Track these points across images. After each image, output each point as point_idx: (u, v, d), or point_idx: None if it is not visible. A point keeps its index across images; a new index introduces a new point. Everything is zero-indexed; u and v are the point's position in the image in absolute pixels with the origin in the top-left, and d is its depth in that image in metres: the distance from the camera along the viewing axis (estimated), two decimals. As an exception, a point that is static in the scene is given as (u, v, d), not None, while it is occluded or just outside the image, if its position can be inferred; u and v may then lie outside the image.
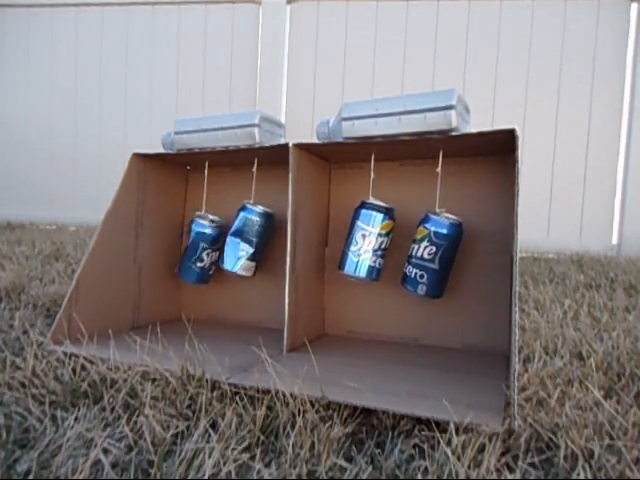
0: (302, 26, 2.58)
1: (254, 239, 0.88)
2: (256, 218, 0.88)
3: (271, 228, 0.91)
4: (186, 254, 0.92)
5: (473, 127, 0.71)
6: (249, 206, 0.88)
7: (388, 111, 0.71)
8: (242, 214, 0.88)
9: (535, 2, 2.33)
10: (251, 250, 0.88)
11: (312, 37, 2.58)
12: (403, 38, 2.48)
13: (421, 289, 0.75)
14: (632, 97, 2.26)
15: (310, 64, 2.58)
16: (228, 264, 0.88)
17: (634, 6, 2.26)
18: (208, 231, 0.91)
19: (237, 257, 0.88)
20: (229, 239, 0.88)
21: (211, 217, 0.93)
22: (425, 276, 0.75)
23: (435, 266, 0.74)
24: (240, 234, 0.88)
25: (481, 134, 0.66)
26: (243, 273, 0.89)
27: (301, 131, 2.37)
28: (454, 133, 0.68)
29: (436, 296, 0.77)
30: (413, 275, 0.76)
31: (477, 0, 2.38)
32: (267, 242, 0.92)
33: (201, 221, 0.92)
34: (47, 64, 2.88)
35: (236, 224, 0.88)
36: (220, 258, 0.90)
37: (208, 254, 0.92)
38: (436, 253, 0.74)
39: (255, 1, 2.60)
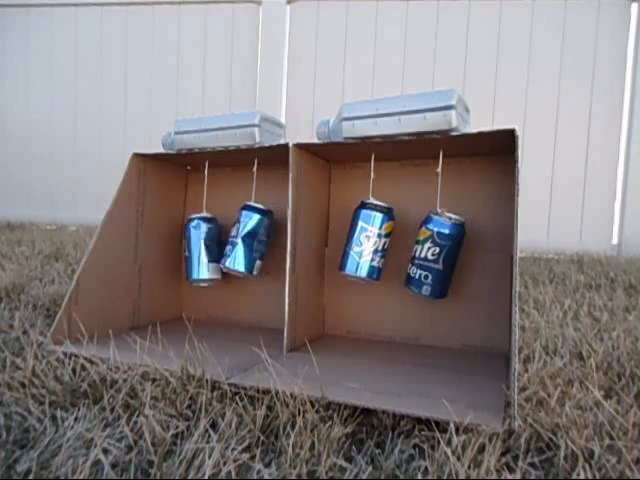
0: (302, 26, 2.58)
1: (265, 238, 0.89)
2: (265, 218, 0.88)
3: (275, 226, 0.92)
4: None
5: (473, 127, 0.71)
6: (257, 205, 0.88)
7: (388, 111, 0.71)
8: (253, 215, 0.87)
9: (535, 2, 2.33)
10: (264, 250, 0.89)
11: (312, 37, 2.58)
12: (403, 38, 2.48)
13: (426, 290, 0.76)
14: (632, 97, 2.26)
15: (310, 64, 2.59)
16: (242, 266, 0.87)
17: (634, 6, 2.26)
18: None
19: (253, 258, 0.88)
20: (241, 241, 0.87)
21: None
22: (430, 277, 0.75)
23: (439, 266, 0.74)
24: (254, 235, 0.87)
25: (481, 134, 0.66)
26: (255, 273, 0.89)
27: (301, 131, 2.37)
28: (454, 133, 0.67)
29: (440, 296, 0.77)
30: (417, 276, 0.76)
31: (477, 0, 2.38)
32: (273, 240, 0.93)
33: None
34: (47, 64, 2.88)
35: (247, 226, 0.87)
36: (227, 259, 0.88)
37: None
38: (440, 253, 0.74)
39: (255, 1, 2.60)
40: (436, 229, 0.74)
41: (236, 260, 0.87)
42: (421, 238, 0.75)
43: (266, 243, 0.90)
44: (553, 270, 1.62)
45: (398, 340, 0.87)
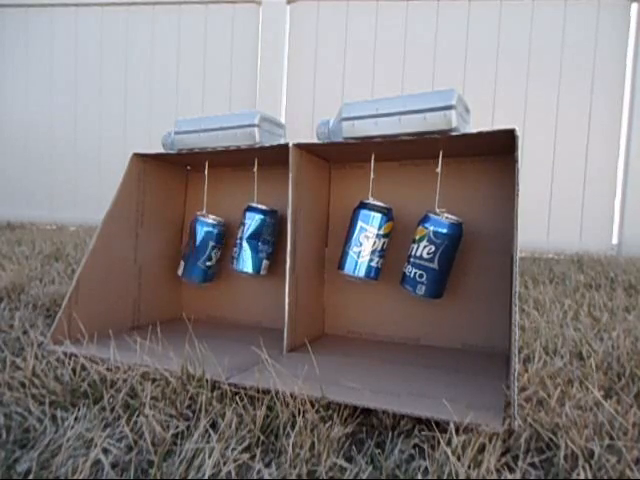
0: (302, 26, 2.58)
1: (270, 238, 0.90)
2: (268, 217, 0.89)
3: (280, 225, 0.92)
4: (193, 255, 0.92)
5: (473, 127, 0.71)
6: (259, 206, 0.88)
7: (388, 111, 0.71)
8: (256, 216, 0.88)
9: (535, 2, 2.33)
10: (270, 249, 0.90)
11: (312, 37, 2.58)
12: (403, 38, 2.48)
13: (420, 289, 0.75)
14: (632, 97, 2.27)
15: (310, 64, 2.59)
16: (249, 267, 0.88)
17: (634, 6, 2.26)
18: (216, 230, 0.92)
19: (259, 259, 0.89)
20: (245, 242, 0.88)
21: (212, 216, 0.93)
22: (424, 276, 0.75)
23: (434, 266, 0.74)
24: (258, 236, 0.88)
25: (481, 134, 0.66)
26: (263, 273, 0.90)
27: (301, 131, 2.37)
28: (454, 133, 0.68)
29: (435, 296, 0.77)
30: (412, 275, 0.75)
31: (477, 0, 2.38)
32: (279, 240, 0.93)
33: (207, 220, 0.92)
34: (47, 64, 2.88)
35: (251, 227, 0.88)
36: (234, 261, 0.89)
37: (215, 253, 0.93)
38: (435, 253, 0.74)
39: (255, 1, 2.60)
40: (432, 228, 0.74)
41: (243, 262, 0.88)
42: (417, 237, 0.75)
43: (272, 242, 0.90)
44: (553, 270, 1.62)
45: (398, 340, 0.87)
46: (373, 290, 0.88)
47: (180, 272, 0.94)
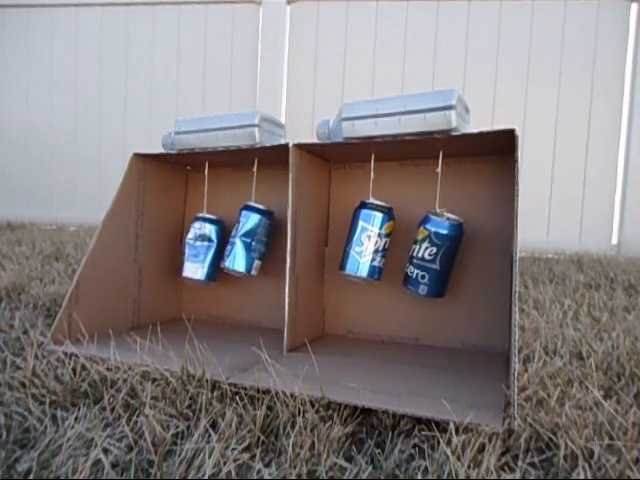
0: (302, 26, 2.58)
1: (264, 238, 0.89)
2: (264, 218, 0.88)
3: (275, 226, 0.92)
4: (216, 256, 0.92)
5: (473, 127, 0.71)
6: (256, 206, 0.88)
7: (388, 111, 0.71)
8: (252, 215, 0.88)
9: (535, 2, 2.33)
10: (263, 250, 0.90)
11: (312, 37, 2.58)
12: (403, 38, 2.48)
13: (422, 289, 0.76)
14: (632, 97, 2.27)
15: (310, 64, 2.59)
16: (240, 266, 0.88)
17: (634, 6, 2.26)
18: (220, 228, 0.93)
19: (251, 258, 0.88)
20: (239, 240, 0.87)
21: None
22: (427, 276, 0.75)
23: (436, 266, 0.75)
24: (252, 235, 0.88)
25: (481, 134, 0.66)
26: (254, 273, 0.89)
27: (301, 131, 2.37)
28: (454, 133, 0.68)
29: (438, 296, 0.77)
30: (415, 276, 0.76)
31: (477, 0, 2.38)
32: (273, 240, 0.93)
33: (220, 220, 0.92)
34: (47, 64, 2.88)
35: (246, 225, 0.88)
36: (226, 259, 0.89)
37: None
38: (437, 254, 0.74)
39: (255, 1, 2.60)
40: (433, 229, 0.74)
41: (234, 260, 0.88)
42: (419, 238, 0.75)
43: (266, 243, 0.90)
44: (553, 270, 1.62)
45: (398, 340, 0.87)
46: (373, 290, 0.88)
47: (199, 275, 0.91)
